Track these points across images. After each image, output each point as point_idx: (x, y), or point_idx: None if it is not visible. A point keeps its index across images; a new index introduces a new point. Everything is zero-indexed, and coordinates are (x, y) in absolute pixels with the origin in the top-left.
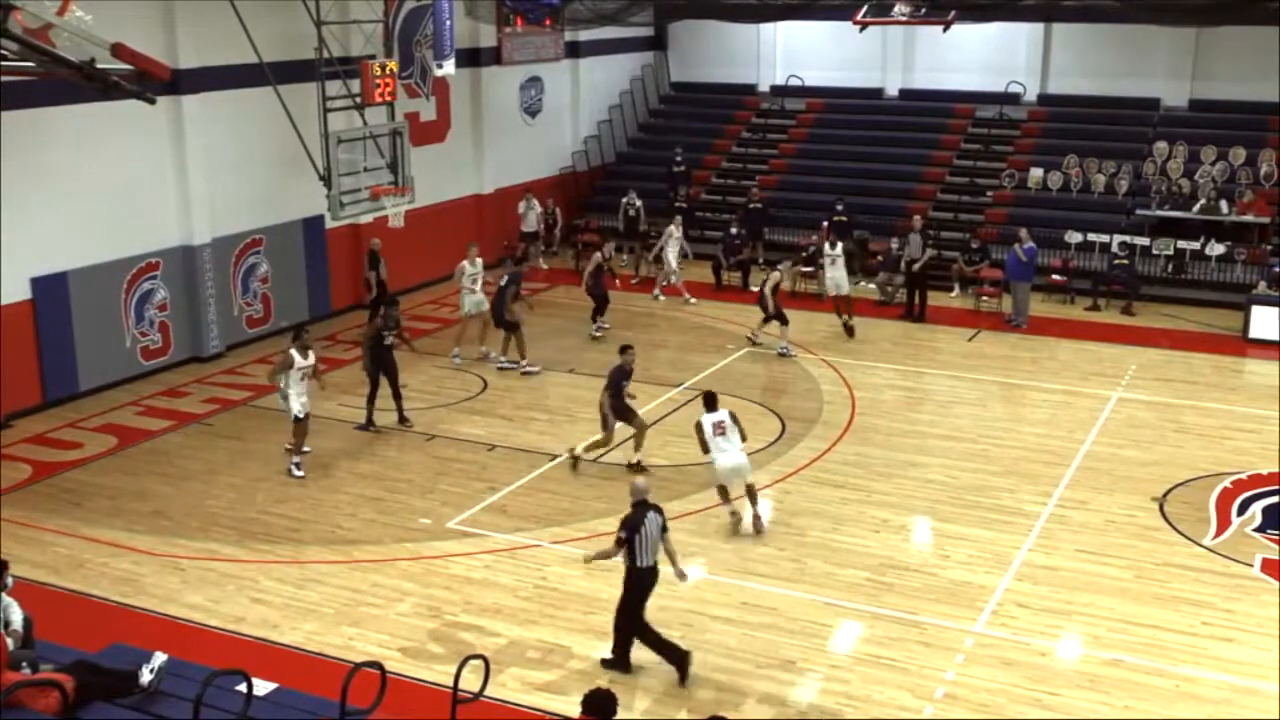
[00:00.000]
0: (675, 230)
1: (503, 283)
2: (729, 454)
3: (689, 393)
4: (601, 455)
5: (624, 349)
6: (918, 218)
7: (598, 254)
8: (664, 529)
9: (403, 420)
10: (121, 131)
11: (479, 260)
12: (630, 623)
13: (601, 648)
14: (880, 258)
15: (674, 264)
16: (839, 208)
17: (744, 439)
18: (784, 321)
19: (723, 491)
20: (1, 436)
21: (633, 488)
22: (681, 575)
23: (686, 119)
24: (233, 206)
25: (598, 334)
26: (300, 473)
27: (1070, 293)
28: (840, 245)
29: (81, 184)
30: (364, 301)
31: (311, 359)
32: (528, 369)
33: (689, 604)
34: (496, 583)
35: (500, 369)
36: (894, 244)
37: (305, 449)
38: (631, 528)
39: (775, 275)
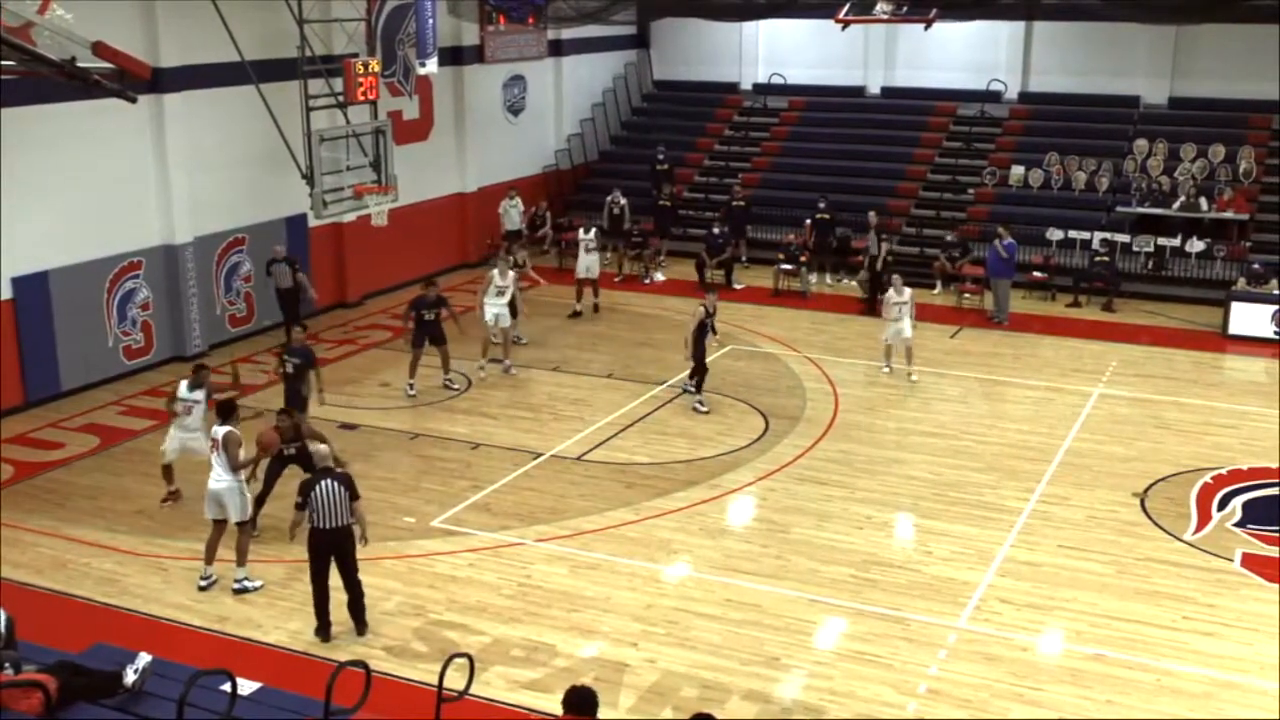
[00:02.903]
0: (895, 295)
1: (421, 310)
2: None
3: (673, 390)
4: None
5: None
6: (873, 214)
7: (700, 307)
8: (354, 496)
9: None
10: (102, 130)
11: (510, 274)
12: (312, 581)
13: (586, 646)
14: (862, 256)
15: (907, 332)
16: (821, 205)
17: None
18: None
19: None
20: None
21: (315, 454)
22: (363, 540)
23: (669, 117)
24: (215, 205)
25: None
26: (255, 583)
27: (1051, 289)
28: (594, 231)
29: (62, 183)
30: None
31: (220, 434)
32: (447, 383)
33: (673, 601)
34: (481, 581)
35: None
36: (869, 242)
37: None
38: (304, 492)
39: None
